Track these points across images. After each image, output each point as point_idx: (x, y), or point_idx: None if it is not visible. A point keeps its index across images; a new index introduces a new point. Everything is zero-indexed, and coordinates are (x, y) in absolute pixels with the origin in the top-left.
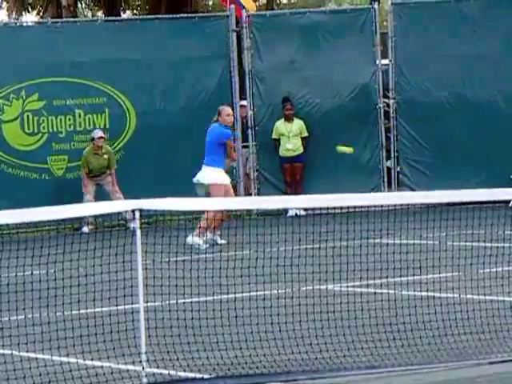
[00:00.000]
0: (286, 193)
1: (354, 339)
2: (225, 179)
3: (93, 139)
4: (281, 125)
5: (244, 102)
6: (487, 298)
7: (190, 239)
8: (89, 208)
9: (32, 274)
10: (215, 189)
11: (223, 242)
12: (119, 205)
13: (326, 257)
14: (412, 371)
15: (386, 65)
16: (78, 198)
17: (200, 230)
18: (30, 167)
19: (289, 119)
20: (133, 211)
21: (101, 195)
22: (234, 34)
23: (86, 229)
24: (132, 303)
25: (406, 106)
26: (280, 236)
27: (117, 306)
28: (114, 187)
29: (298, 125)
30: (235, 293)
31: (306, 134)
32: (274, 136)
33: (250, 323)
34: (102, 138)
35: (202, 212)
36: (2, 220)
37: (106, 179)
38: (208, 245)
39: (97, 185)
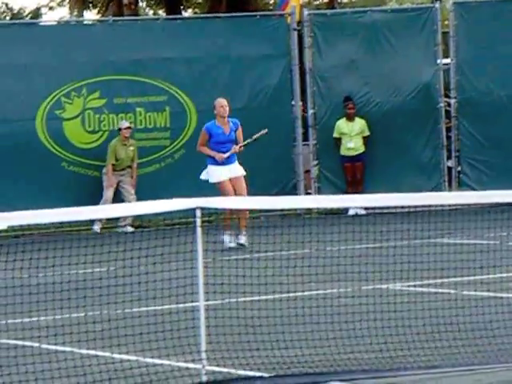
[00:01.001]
0: (346, 192)
1: (414, 339)
2: (216, 177)
3: (120, 129)
4: (342, 124)
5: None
6: None
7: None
8: (149, 206)
9: (92, 271)
10: (219, 187)
11: (232, 245)
12: (180, 203)
13: (387, 256)
14: (472, 371)
15: (447, 64)
16: (142, 194)
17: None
18: (91, 165)
19: (350, 118)
20: (194, 209)
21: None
22: (295, 32)
23: (97, 228)
24: (192, 301)
25: (467, 106)
26: (340, 235)
27: (177, 304)
28: (132, 189)
29: (359, 124)
30: (295, 292)
31: (367, 133)
32: (335, 135)
33: (311, 322)
34: (129, 128)
35: (263, 211)
36: (62, 218)
37: (126, 178)
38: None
39: (118, 182)
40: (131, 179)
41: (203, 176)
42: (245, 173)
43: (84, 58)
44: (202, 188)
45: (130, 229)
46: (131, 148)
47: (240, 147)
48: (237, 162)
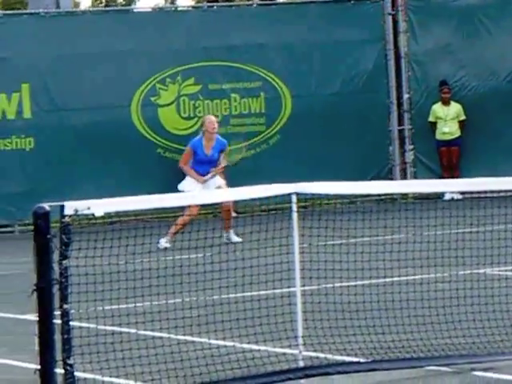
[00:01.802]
0: (442, 176)
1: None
2: (191, 187)
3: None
4: (438, 108)
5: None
6: None
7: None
8: (245, 192)
9: (189, 257)
10: None
11: (239, 239)
12: (276, 188)
13: (484, 241)
14: None
15: None
16: (237, 181)
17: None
18: None
19: (446, 102)
20: (290, 195)
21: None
22: (390, 17)
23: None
24: (289, 287)
25: None
26: (437, 220)
27: (273, 289)
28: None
29: (455, 108)
30: (392, 277)
31: (463, 117)
32: (430, 119)
33: (407, 307)
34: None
35: (359, 196)
36: (158, 204)
37: None
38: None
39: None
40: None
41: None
42: (221, 183)
43: (178, 45)
44: (298, 173)
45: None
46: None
47: (218, 170)
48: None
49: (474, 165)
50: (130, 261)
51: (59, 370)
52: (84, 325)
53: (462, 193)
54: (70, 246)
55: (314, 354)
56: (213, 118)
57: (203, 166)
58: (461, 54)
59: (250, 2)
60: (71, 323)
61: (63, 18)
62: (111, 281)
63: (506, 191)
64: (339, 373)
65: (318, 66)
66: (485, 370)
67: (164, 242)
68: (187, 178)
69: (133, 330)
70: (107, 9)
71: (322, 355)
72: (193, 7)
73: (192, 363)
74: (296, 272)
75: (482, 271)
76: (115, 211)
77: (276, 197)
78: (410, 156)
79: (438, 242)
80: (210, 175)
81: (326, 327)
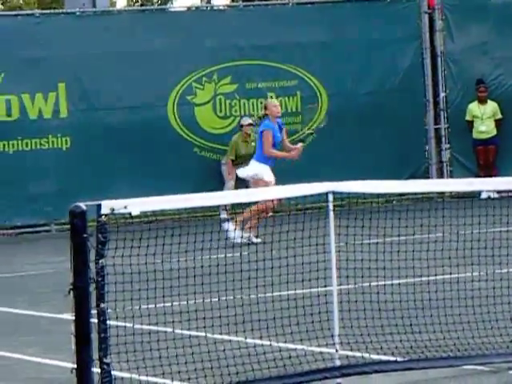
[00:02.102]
0: (479, 175)
1: None
2: (267, 175)
3: (241, 126)
4: (474, 107)
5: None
6: None
7: (226, 226)
8: (282, 191)
9: (225, 256)
10: (255, 183)
11: (258, 240)
12: (312, 187)
13: None
14: None
15: None
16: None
17: (238, 222)
18: (223, 150)
19: (482, 101)
20: (326, 194)
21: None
22: (426, 15)
23: (224, 215)
24: (325, 286)
25: None
26: (473, 219)
27: (310, 288)
28: None
29: (491, 107)
30: (428, 276)
31: (499, 116)
32: (467, 118)
33: (444, 306)
34: (251, 125)
35: (395, 194)
36: (199, 203)
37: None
38: (241, 240)
39: None
40: None
41: (244, 172)
42: None
43: (214, 44)
44: (334, 172)
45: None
46: (253, 144)
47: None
48: None
49: (510, 163)
50: (166, 260)
51: (96, 369)
52: (120, 324)
53: (499, 191)
54: (106, 245)
55: (350, 353)
56: (276, 102)
57: (276, 147)
58: (497, 52)
59: (287, 1)
60: (108, 322)
61: (99, 18)
62: (147, 280)
63: None
64: (376, 372)
65: (353, 65)
66: None
67: (240, 238)
68: (261, 165)
69: (169, 329)
70: (143, 8)
71: (358, 354)
72: (228, 6)
73: (228, 362)
74: (332, 271)
75: None
76: (152, 210)
77: (312, 196)
78: (446, 155)
79: (475, 241)
80: (297, 150)
81: (362, 326)
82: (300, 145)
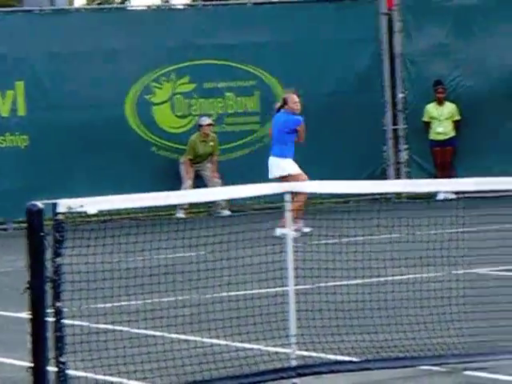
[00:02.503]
0: (436, 176)
1: (504, 323)
2: (295, 169)
3: (200, 126)
4: (432, 108)
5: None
6: None
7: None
8: (239, 191)
9: (182, 256)
10: (291, 180)
11: (308, 229)
12: (270, 187)
13: (477, 241)
14: None
15: None
16: (231, 179)
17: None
18: (180, 149)
19: (440, 102)
20: (283, 194)
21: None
22: (385, 16)
23: (181, 214)
24: (282, 286)
25: None
26: (430, 220)
27: (267, 288)
28: (214, 173)
29: (449, 108)
30: (385, 276)
31: (457, 117)
32: (424, 119)
33: (400, 306)
34: (210, 125)
35: (352, 195)
36: (151, 202)
37: (205, 165)
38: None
39: (196, 171)
40: (211, 165)
41: (274, 173)
42: None
43: (173, 43)
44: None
45: (226, 212)
46: (211, 144)
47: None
48: None
49: (468, 165)
50: (122, 259)
51: (51, 368)
52: (77, 323)
53: (456, 193)
54: (63, 243)
55: (306, 353)
56: (296, 98)
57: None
58: (455, 53)
59: (245, 1)
60: (64, 321)
61: (58, 16)
62: (104, 279)
63: (499, 191)
64: (332, 372)
65: (312, 66)
66: (477, 369)
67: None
68: (286, 160)
69: (125, 329)
70: (102, 7)
71: (314, 354)
72: (188, 5)
73: (184, 362)
74: (289, 271)
75: (474, 271)
76: (108, 209)
77: (270, 196)
78: (404, 156)
79: (431, 242)
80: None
81: (318, 326)
82: None
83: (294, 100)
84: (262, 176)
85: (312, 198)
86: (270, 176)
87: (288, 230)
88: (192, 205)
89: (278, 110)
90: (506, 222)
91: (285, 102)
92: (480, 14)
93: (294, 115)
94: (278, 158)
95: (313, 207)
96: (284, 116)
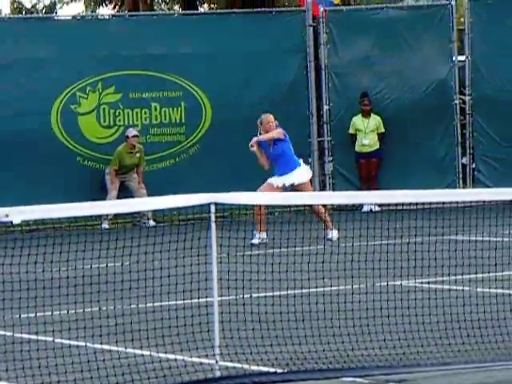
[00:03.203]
0: (360, 188)
1: (427, 335)
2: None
3: (127, 137)
4: (358, 120)
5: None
6: None
7: (331, 236)
8: (164, 201)
9: (107, 266)
10: (307, 187)
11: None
12: (195, 198)
13: (401, 253)
14: (485, 368)
15: (462, 61)
16: (157, 190)
17: (328, 223)
18: (106, 160)
19: (366, 114)
20: (208, 204)
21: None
22: (311, 28)
23: (106, 225)
24: (206, 297)
25: (482, 103)
26: (354, 231)
27: (191, 299)
28: (140, 184)
29: (375, 120)
30: (309, 288)
31: (382, 129)
32: (350, 131)
33: (324, 318)
34: (136, 136)
35: (277, 206)
36: (76, 212)
37: (131, 176)
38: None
39: (122, 182)
40: (137, 177)
41: (289, 180)
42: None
43: (99, 53)
44: (217, 184)
45: (151, 223)
46: (137, 155)
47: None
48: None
49: (393, 177)
50: (47, 269)
51: None
52: (0, 332)
53: (380, 205)
54: None
55: (230, 364)
56: (271, 118)
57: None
58: (380, 66)
59: (172, 12)
60: None
61: None
62: (28, 289)
63: (423, 204)
64: (255, 383)
65: (238, 77)
66: (400, 381)
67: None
68: (286, 176)
69: (49, 339)
70: (28, 16)
71: (238, 365)
72: (114, 16)
73: (109, 372)
74: (214, 282)
75: (398, 283)
76: (33, 219)
77: (195, 207)
78: (329, 167)
79: (356, 254)
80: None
81: (242, 337)
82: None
83: (268, 120)
84: (187, 187)
85: (237, 209)
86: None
87: (213, 241)
88: (117, 215)
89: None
90: (429, 235)
91: (260, 123)
92: (404, 26)
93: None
94: (278, 177)
95: (237, 219)
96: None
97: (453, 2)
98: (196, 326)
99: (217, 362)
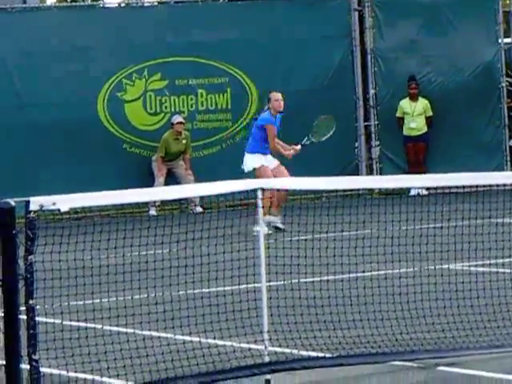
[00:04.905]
0: (408, 172)
1: (476, 319)
2: (261, 161)
3: (172, 124)
4: (405, 103)
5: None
6: None
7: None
8: (211, 187)
9: (155, 253)
10: (258, 174)
11: (282, 226)
12: (243, 183)
13: (449, 236)
14: None
15: (509, 43)
16: (204, 176)
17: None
18: (153, 147)
19: (413, 98)
20: (255, 190)
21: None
22: (356, 13)
23: (153, 211)
24: (254, 282)
25: None
26: (402, 215)
27: (239, 285)
28: (187, 171)
29: (422, 104)
30: (357, 272)
31: (430, 113)
32: (398, 114)
33: (372, 302)
34: (181, 123)
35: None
36: (123, 199)
37: (178, 163)
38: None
39: (168, 169)
40: (183, 164)
41: (246, 169)
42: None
43: (145, 40)
44: None
45: (199, 209)
46: (183, 141)
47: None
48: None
49: (440, 160)
50: (95, 256)
51: (25, 366)
52: (49, 320)
53: (428, 188)
54: (35, 241)
55: (279, 350)
56: (279, 96)
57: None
58: (427, 50)
59: None
60: (37, 318)
61: (29, 14)
62: (77, 276)
63: (470, 187)
64: (305, 368)
65: (284, 63)
66: (449, 364)
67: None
68: (254, 156)
69: (98, 326)
70: (73, 4)
71: (287, 350)
72: (159, 3)
73: (157, 358)
74: (262, 267)
75: (446, 266)
76: (81, 207)
77: (242, 192)
78: (376, 152)
79: (403, 238)
80: (295, 150)
81: (291, 322)
82: (298, 147)
83: (276, 97)
84: (234, 173)
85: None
86: (246, 171)
87: (260, 227)
88: (164, 202)
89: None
90: (477, 218)
91: (268, 101)
92: (450, 10)
93: (271, 113)
94: (246, 154)
95: (286, 204)
96: (263, 114)
97: None
98: (244, 312)
99: (266, 347)
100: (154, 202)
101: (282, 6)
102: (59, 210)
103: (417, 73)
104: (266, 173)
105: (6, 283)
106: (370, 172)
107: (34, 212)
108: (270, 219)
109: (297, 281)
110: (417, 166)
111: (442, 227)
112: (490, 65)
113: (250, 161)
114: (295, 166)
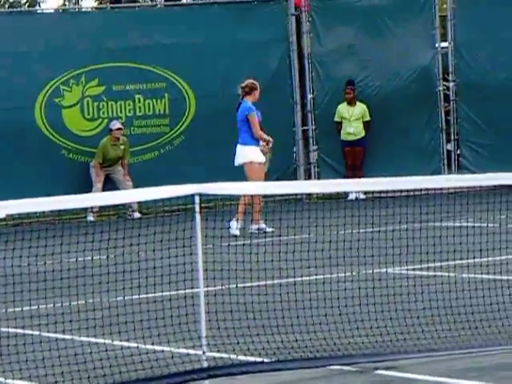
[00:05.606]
0: (346, 176)
1: (414, 322)
2: (258, 157)
3: (111, 130)
4: (343, 108)
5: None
6: None
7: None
8: (149, 193)
9: (93, 258)
10: (250, 168)
11: (271, 229)
12: (180, 189)
13: (386, 240)
14: (472, 354)
15: (445, 47)
16: (142, 182)
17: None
18: (91, 152)
19: (351, 102)
20: (193, 195)
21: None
22: (293, 17)
23: (91, 217)
24: (192, 287)
25: (466, 89)
26: (340, 220)
27: (177, 290)
28: (126, 176)
29: (360, 108)
30: (295, 277)
31: (368, 117)
32: (336, 119)
33: (310, 307)
34: (119, 129)
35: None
36: (60, 206)
37: (116, 169)
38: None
39: (107, 174)
40: (122, 169)
41: (237, 160)
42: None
43: (82, 46)
44: (202, 174)
45: (137, 215)
46: (121, 147)
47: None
48: None
49: (378, 165)
50: (32, 263)
51: None
52: None
53: (366, 192)
54: None
55: (217, 355)
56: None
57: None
58: (364, 54)
59: (154, 3)
60: None
61: None
62: (14, 283)
63: (408, 191)
64: (243, 373)
65: (222, 67)
66: (387, 368)
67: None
68: (251, 148)
69: (36, 332)
70: (11, 10)
71: (225, 355)
72: (96, 8)
73: (96, 365)
74: (199, 273)
75: (384, 270)
76: (18, 213)
77: (180, 198)
78: (314, 156)
79: (341, 242)
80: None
81: (229, 327)
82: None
83: (258, 88)
84: (172, 178)
85: (222, 199)
86: (236, 163)
87: (198, 231)
88: (102, 208)
89: (243, 97)
90: (414, 221)
91: (250, 90)
92: (387, 14)
93: (251, 104)
94: (241, 146)
95: (223, 208)
96: (243, 104)
97: None
98: (182, 317)
99: (204, 352)
100: (92, 207)
101: (219, 11)
102: None
103: (354, 77)
104: (258, 174)
105: None
106: (308, 177)
107: None
108: (260, 226)
109: (235, 286)
110: (355, 171)
111: (379, 231)
112: (427, 69)
113: (242, 154)
114: (232, 172)
